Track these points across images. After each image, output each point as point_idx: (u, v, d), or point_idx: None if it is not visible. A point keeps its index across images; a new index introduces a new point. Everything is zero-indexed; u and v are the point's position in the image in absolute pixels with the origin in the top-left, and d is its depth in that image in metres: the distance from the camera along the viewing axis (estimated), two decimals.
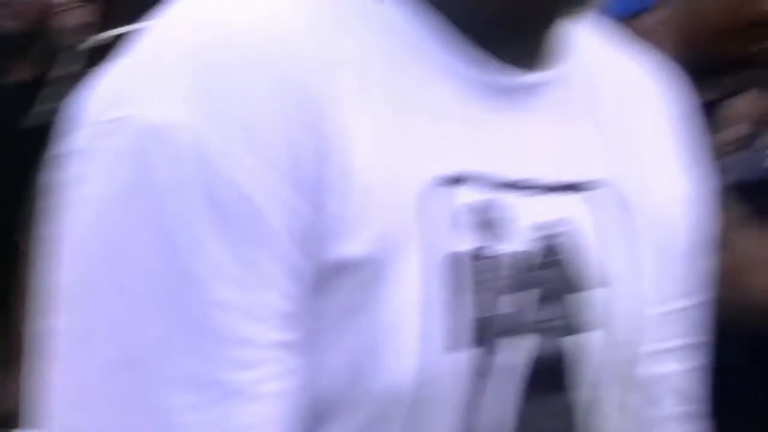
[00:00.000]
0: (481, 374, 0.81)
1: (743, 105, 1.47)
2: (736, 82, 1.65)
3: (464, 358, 0.79)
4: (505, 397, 0.82)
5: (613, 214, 0.89)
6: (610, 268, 0.87)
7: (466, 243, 0.80)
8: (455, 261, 0.79)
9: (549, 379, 0.85)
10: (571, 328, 0.85)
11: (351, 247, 0.76)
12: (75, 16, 3.58)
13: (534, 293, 0.83)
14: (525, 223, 0.83)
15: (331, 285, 0.76)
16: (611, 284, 0.87)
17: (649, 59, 1.00)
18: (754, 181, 1.37)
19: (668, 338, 0.97)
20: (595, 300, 0.86)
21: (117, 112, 0.76)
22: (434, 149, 0.80)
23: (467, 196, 0.81)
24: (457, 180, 0.80)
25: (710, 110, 1.54)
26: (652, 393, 0.97)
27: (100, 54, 2.58)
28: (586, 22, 0.92)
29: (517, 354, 0.82)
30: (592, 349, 0.86)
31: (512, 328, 0.81)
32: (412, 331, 0.78)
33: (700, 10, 1.62)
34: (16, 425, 2.64)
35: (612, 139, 0.92)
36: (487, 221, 0.81)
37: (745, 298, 1.35)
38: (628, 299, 0.89)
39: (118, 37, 2.88)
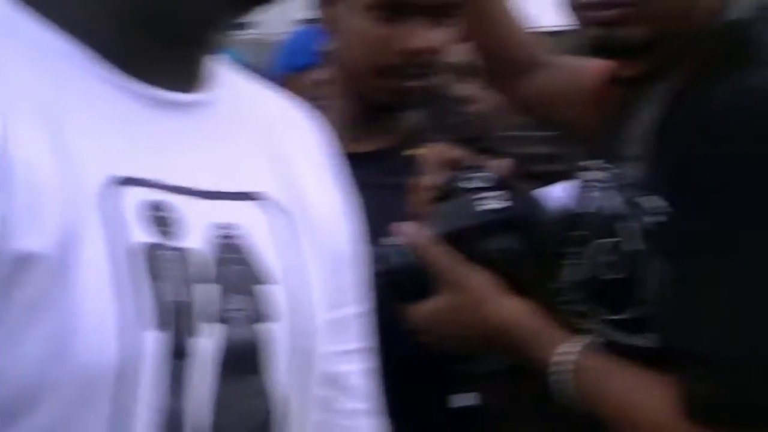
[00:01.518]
0: (179, 356, 0.89)
1: (436, 152, 1.48)
2: (414, 128, 1.70)
3: (159, 339, 0.87)
4: (203, 379, 0.91)
5: (278, 220, 1.02)
6: (281, 267, 0.99)
7: (145, 236, 0.88)
8: (139, 251, 0.87)
9: (243, 363, 0.95)
10: (257, 317, 0.96)
11: (29, 241, 0.82)
12: None
13: (217, 286, 0.93)
14: (199, 223, 0.93)
15: (18, 278, 0.82)
16: (283, 281, 0.99)
17: (298, 104, 1.15)
18: (465, 227, 1.39)
19: (345, 341, 1.12)
20: (273, 293, 0.98)
21: None
22: (106, 154, 0.89)
23: (140, 196, 0.90)
24: (129, 181, 0.89)
25: (390, 155, 1.63)
26: (336, 388, 1.12)
27: None
28: (238, 68, 1.11)
29: (210, 339, 0.91)
30: (276, 337, 0.97)
31: (203, 315, 0.91)
32: (107, 314, 0.85)
33: (349, 56, 1.64)
34: None
35: (265, 158, 1.05)
36: (160, 219, 0.91)
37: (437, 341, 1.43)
38: (298, 295, 1.00)
39: None
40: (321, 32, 1.84)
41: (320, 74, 2.27)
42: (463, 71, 2.20)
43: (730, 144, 1.20)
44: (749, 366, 1.19)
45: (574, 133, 1.78)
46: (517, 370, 1.42)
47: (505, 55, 1.79)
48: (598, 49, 1.39)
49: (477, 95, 2.34)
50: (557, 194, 1.49)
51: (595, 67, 1.79)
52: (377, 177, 1.56)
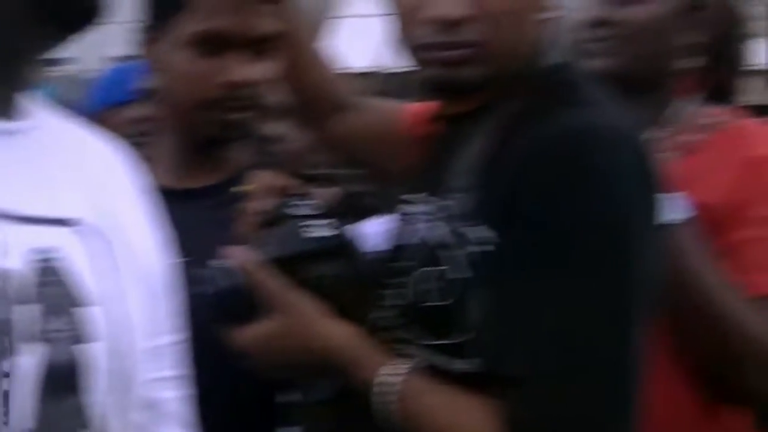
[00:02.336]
0: (4, 374, 0.92)
1: (264, 179, 1.52)
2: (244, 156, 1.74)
3: None
4: (25, 398, 0.94)
5: (96, 247, 1.05)
6: (100, 291, 1.02)
7: None
8: None
9: (63, 382, 0.98)
10: (77, 338, 0.99)
11: None
12: None
13: (38, 307, 0.96)
14: (19, 246, 0.96)
15: None
16: (102, 304, 1.02)
17: (112, 141, 1.19)
18: (292, 253, 1.42)
19: (162, 368, 1.16)
20: (92, 316, 1.00)
21: None
22: None
23: None
24: None
25: (221, 190, 1.64)
26: (153, 414, 1.14)
27: None
28: (53, 103, 1.14)
29: (31, 359, 0.94)
30: (95, 358, 1.00)
31: (23, 335, 0.94)
32: None
33: (172, 92, 1.68)
34: None
35: (81, 188, 1.08)
36: None
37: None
38: (117, 318, 1.03)
39: None
40: (138, 69, 1.85)
41: (138, 111, 2.28)
42: (275, 110, 2.23)
43: (554, 177, 1.27)
44: (564, 385, 1.25)
45: (382, 171, 1.83)
46: (343, 399, 1.44)
47: (314, 96, 1.83)
48: (438, 88, 1.43)
49: (288, 134, 2.37)
50: (376, 228, 1.53)
51: (405, 107, 1.85)
52: (209, 212, 1.59)
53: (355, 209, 1.60)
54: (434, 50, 1.38)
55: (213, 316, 1.40)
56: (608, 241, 1.27)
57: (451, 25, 1.35)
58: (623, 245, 1.28)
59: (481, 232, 1.30)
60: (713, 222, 1.63)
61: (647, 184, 1.32)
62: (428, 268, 1.35)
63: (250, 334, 1.39)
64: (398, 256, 1.41)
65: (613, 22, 1.72)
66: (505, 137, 1.34)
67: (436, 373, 1.33)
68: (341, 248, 1.44)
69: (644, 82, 1.70)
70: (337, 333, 1.37)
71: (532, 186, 1.27)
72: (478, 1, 1.35)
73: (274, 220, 1.44)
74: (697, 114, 1.78)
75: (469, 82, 1.37)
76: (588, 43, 1.72)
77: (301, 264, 1.41)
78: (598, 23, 1.73)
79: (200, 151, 1.70)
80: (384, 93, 2.82)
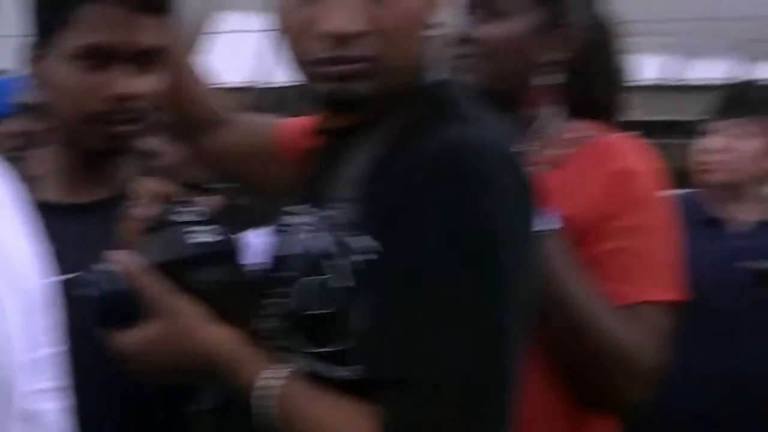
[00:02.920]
0: None
1: (148, 185, 1.53)
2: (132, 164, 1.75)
3: None
4: None
5: None
6: None
7: None
8: None
9: None
10: None
11: None
12: None
13: None
14: None
15: None
16: None
17: None
18: (179, 258, 1.43)
19: (41, 380, 1.16)
20: None
21: None
22: None
23: None
24: None
25: (111, 205, 1.63)
26: (33, 426, 1.14)
27: None
28: None
29: None
30: None
31: None
32: None
33: (59, 106, 1.68)
34: None
35: None
36: None
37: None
38: None
39: None
40: (16, 83, 1.84)
41: (17, 125, 2.26)
42: (150, 124, 2.23)
43: (435, 189, 1.30)
44: (441, 390, 1.27)
45: (258, 185, 1.84)
46: (227, 408, 1.45)
47: (189, 111, 1.83)
48: (329, 103, 1.44)
49: (163, 149, 2.37)
50: (259, 239, 1.54)
51: (282, 122, 1.86)
52: (98, 226, 1.57)
53: (237, 219, 1.61)
54: (328, 65, 1.39)
55: (96, 320, 1.40)
56: (487, 252, 1.30)
57: (345, 39, 1.36)
58: (501, 257, 1.31)
59: (364, 242, 1.32)
60: (580, 234, 1.68)
61: (524, 197, 1.36)
62: (311, 278, 1.36)
63: (131, 338, 1.39)
64: (281, 266, 1.42)
65: (474, 39, 1.76)
66: (388, 150, 1.37)
67: (319, 380, 1.34)
68: (224, 254, 1.45)
69: (506, 97, 1.74)
70: (218, 337, 1.38)
71: (413, 198, 1.30)
72: (371, 16, 1.36)
73: (157, 226, 1.45)
74: (564, 129, 1.83)
75: (361, 96, 1.39)
76: (455, 59, 1.76)
77: (184, 269, 1.42)
78: (463, 40, 1.76)
79: (88, 165, 1.69)
80: (259, 108, 2.84)
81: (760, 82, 4.13)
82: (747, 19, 5.97)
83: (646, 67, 6.05)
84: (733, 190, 3.02)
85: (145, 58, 1.64)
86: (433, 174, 1.31)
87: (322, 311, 1.35)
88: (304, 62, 1.41)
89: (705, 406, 2.88)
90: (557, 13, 1.81)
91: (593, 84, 1.92)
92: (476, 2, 1.77)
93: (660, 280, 1.75)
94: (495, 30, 1.75)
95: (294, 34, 1.41)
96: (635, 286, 1.72)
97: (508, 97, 1.76)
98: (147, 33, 1.63)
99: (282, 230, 1.46)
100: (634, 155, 1.80)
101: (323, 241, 1.37)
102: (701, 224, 2.98)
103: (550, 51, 1.81)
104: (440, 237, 1.29)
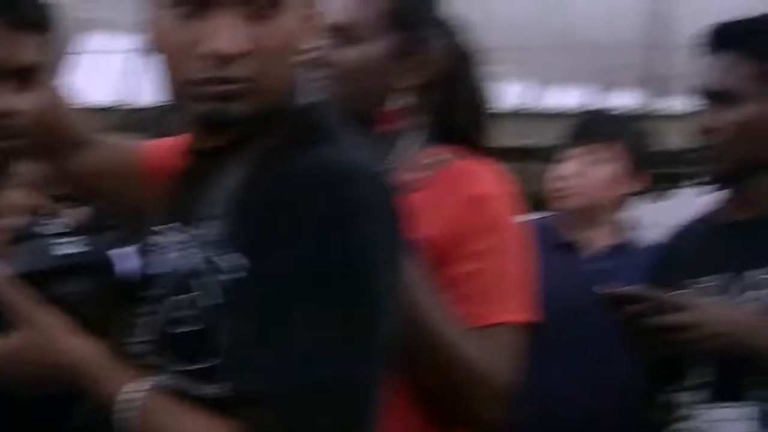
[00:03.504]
0: None
1: (14, 196, 1.56)
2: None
3: None
4: None
5: None
6: None
7: None
8: None
9: None
10: None
11: None
12: None
13: None
14: None
15: None
16: None
17: None
18: (44, 269, 1.43)
19: None
20: None
21: None
22: None
23: None
24: None
25: None
26: None
27: None
28: None
29: None
30: None
31: None
32: None
33: None
34: None
35: None
36: None
37: None
38: None
39: None
40: None
41: None
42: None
43: (304, 209, 1.31)
44: (301, 406, 1.28)
45: (123, 205, 1.84)
46: (97, 423, 1.43)
47: (53, 130, 1.82)
48: (206, 123, 1.44)
49: (26, 167, 2.35)
50: (126, 258, 1.53)
51: (148, 142, 1.86)
52: None
53: (105, 232, 1.59)
54: (208, 85, 1.39)
55: None
56: (352, 271, 1.32)
57: (228, 60, 1.37)
58: (367, 276, 1.33)
59: (233, 260, 1.33)
60: (437, 256, 1.72)
61: (391, 218, 1.39)
62: (180, 296, 1.37)
63: None
64: (150, 285, 1.42)
65: (331, 62, 1.79)
66: (259, 170, 1.38)
67: (188, 398, 1.34)
68: (90, 266, 1.44)
69: (363, 120, 1.77)
70: (82, 349, 1.37)
71: (283, 217, 1.31)
72: (252, 37, 1.37)
73: (23, 237, 1.44)
74: (421, 152, 1.87)
75: (237, 117, 1.40)
76: (316, 82, 1.79)
77: (50, 280, 1.41)
78: (322, 64, 1.79)
79: None
80: (124, 128, 2.82)
81: (612, 110, 4.23)
82: (600, 48, 6.14)
83: (506, 94, 6.16)
84: (587, 214, 3.09)
85: (24, 75, 1.64)
86: (303, 194, 1.32)
87: (190, 329, 1.35)
88: (182, 82, 1.41)
89: (559, 425, 2.94)
90: (412, 39, 1.85)
91: (455, 109, 1.95)
92: (335, 27, 1.80)
93: (513, 302, 1.80)
94: (351, 54, 1.78)
95: (173, 53, 1.40)
96: (489, 307, 1.76)
97: (365, 119, 1.78)
98: (27, 50, 1.62)
99: (151, 249, 1.46)
100: (489, 180, 1.84)
101: (192, 259, 1.37)
102: (556, 248, 3.05)
103: (405, 76, 1.85)
104: (309, 256, 1.30)
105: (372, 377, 1.34)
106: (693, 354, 2.08)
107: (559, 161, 3.13)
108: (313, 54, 1.60)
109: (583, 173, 3.07)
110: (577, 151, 3.11)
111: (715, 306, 2.09)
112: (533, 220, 3.32)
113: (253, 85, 1.39)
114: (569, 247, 3.10)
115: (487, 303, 1.76)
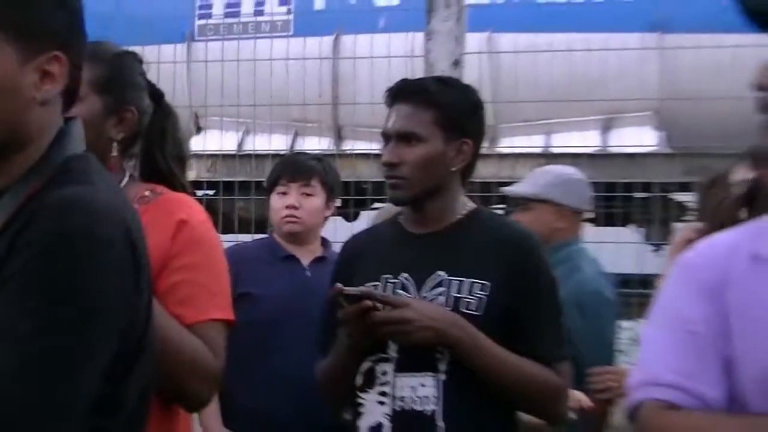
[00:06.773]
0: None
1: None
2: None
3: None
4: None
5: None
6: None
7: None
8: None
9: None
10: None
11: None
12: None
13: None
14: None
15: None
16: None
17: None
18: None
19: None
20: None
21: None
22: None
23: None
24: None
25: None
26: None
27: None
28: None
29: None
30: None
31: None
32: None
33: None
34: None
35: None
36: None
37: None
38: None
39: None
40: None
41: None
42: None
43: (44, 239, 1.40)
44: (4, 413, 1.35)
45: None
46: None
47: None
48: None
49: None
50: None
51: None
52: None
53: None
54: None
55: None
56: (86, 293, 1.40)
57: None
58: (102, 299, 1.42)
59: None
60: (154, 271, 1.73)
61: (131, 248, 1.49)
62: None
63: None
64: None
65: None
66: (21, 209, 1.45)
67: None
68: None
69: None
70: None
71: (24, 248, 1.40)
72: None
73: None
74: (139, 189, 2.13)
75: None
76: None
77: None
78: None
79: None
80: None
81: (307, 152, 4.72)
82: (296, 104, 6.86)
83: (224, 140, 6.81)
84: (301, 234, 3.56)
85: None
86: (42, 226, 1.40)
87: None
88: None
89: (281, 407, 3.32)
90: (116, 100, 2.10)
91: (160, 155, 2.22)
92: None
93: (215, 304, 2.07)
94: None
95: None
96: (196, 309, 2.04)
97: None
98: None
99: None
100: (191, 208, 2.13)
101: None
102: (280, 260, 3.52)
103: (114, 129, 2.10)
104: (41, 283, 1.39)
105: (88, 393, 1.43)
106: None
107: (281, 194, 3.54)
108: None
109: (298, 204, 3.51)
110: (293, 185, 3.53)
111: (423, 303, 2.39)
112: (261, 239, 3.83)
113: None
114: (290, 259, 3.53)
115: (194, 306, 2.03)
